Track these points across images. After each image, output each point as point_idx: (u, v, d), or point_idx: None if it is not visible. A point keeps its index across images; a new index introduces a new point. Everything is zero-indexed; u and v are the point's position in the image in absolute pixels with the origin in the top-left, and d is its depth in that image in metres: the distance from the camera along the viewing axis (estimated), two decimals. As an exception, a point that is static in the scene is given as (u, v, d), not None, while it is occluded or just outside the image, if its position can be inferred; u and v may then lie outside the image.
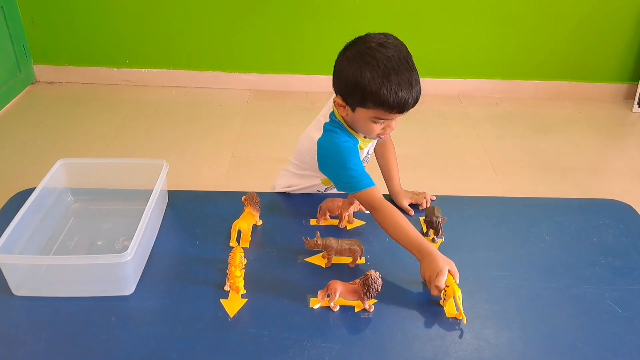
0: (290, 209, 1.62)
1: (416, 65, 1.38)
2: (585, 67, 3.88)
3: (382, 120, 1.40)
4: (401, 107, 1.35)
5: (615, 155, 3.42)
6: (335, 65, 1.42)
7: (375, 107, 1.36)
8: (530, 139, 3.46)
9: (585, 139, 3.48)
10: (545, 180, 3.05)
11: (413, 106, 1.37)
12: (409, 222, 1.40)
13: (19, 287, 1.25)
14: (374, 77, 1.32)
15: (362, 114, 1.40)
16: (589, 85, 3.93)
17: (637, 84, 3.79)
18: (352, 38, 1.44)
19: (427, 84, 3.74)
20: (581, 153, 3.34)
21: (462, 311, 1.23)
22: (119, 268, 1.22)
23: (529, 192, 2.91)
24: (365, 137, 1.55)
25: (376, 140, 1.64)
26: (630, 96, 3.91)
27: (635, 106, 3.80)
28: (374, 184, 1.45)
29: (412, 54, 1.40)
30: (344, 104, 1.43)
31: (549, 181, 3.04)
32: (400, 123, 1.43)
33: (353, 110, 1.41)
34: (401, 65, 1.34)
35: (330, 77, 1.45)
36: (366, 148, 1.61)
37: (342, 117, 1.50)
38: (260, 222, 1.51)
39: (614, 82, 3.93)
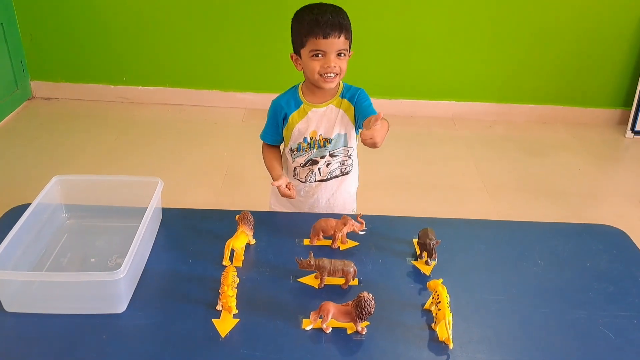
0: (284, 229, 1.62)
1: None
2: (579, 92, 3.92)
3: (318, 53, 1.60)
4: (319, 27, 1.56)
5: (609, 180, 3.45)
6: None
7: (306, 37, 1.59)
8: (524, 163, 3.49)
9: (579, 164, 3.50)
10: (538, 204, 3.06)
11: (333, 29, 1.57)
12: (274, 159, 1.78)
13: (11, 303, 1.25)
14: (302, 12, 1.63)
15: (305, 55, 1.63)
16: (582, 110, 3.97)
17: (630, 110, 3.83)
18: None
19: (421, 106, 3.87)
20: (574, 177, 3.36)
21: (450, 336, 1.23)
22: (111, 285, 1.22)
23: (521, 215, 2.91)
24: (312, 102, 1.74)
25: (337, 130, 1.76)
26: (623, 121, 3.95)
27: (629, 131, 3.84)
28: (265, 139, 1.83)
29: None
30: (295, 56, 1.68)
31: (542, 205, 3.05)
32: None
33: (300, 56, 1.65)
34: (325, 4, 1.63)
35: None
36: (315, 117, 1.73)
37: (303, 83, 1.76)
38: (253, 241, 1.51)
39: (608, 107, 3.97)
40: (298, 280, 1.40)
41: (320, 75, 1.62)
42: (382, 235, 1.59)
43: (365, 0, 3.57)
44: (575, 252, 1.60)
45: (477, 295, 1.40)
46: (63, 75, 3.90)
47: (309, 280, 1.40)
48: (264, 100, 3.81)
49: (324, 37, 1.56)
